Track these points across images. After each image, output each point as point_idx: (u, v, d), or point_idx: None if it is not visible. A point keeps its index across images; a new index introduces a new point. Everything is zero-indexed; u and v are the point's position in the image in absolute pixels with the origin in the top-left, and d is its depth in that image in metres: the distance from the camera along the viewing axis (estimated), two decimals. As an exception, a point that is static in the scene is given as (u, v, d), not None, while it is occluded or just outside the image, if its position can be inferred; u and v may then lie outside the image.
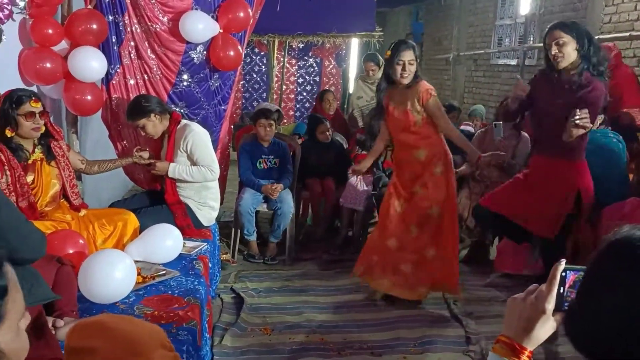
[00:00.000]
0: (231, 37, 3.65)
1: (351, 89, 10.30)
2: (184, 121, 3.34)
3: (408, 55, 3.18)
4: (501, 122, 4.13)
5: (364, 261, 3.55)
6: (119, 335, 1.04)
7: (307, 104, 10.07)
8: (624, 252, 0.78)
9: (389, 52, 3.24)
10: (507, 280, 3.90)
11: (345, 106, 9.05)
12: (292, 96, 9.92)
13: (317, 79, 10.04)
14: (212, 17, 3.57)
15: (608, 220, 3.72)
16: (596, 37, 5.31)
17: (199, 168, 3.27)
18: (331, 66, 10.04)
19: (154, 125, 3.22)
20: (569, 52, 2.91)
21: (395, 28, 12.59)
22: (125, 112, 3.32)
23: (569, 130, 2.85)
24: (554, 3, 6.84)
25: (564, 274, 0.98)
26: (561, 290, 0.98)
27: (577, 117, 2.79)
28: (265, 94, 9.56)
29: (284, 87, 9.24)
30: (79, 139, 3.76)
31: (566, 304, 0.98)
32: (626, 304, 0.75)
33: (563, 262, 0.99)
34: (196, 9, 3.54)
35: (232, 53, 3.62)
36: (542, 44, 6.97)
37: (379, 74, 5.35)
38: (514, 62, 7.81)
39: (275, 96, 8.86)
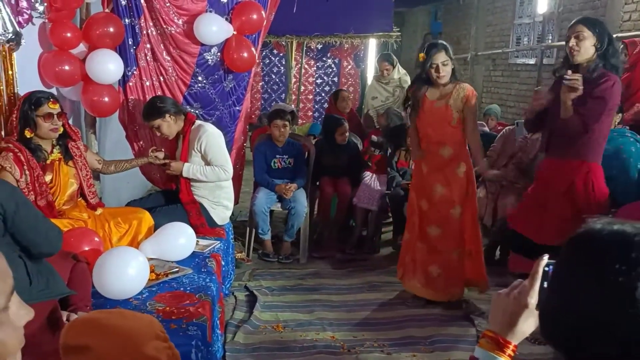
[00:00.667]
0: (245, 39, 3.71)
1: (369, 89, 10.32)
2: (198, 122, 3.41)
3: (440, 57, 3.24)
4: (523, 121, 4.12)
5: (401, 263, 3.65)
6: (113, 330, 1.08)
7: (326, 105, 10.09)
8: (585, 246, 0.80)
9: (422, 55, 3.31)
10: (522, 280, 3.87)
11: (362, 106, 9.06)
12: (311, 97, 9.97)
13: (335, 79, 10.07)
14: (226, 19, 3.63)
15: (625, 219, 3.69)
16: (615, 35, 5.27)
17: (212, 168, 3.33)
18: (349, 67, 10.06)
19: (169, 125, 3.29)
20: (586, 47, 2.84)
21: (414, 28, 12.55)
22: (141, 113, 3.39)
23: (562, 96, 2.80)
24: (573, 1, 6.76)
25: (546, 268, 0.98)
26: (544, 285, 0.98)
27: (568, 77, 2.76)
28: (284, 94, 9.63)
29: (302, 87, 9.29)
30: (97, 140, 3.86)
31: None
32: (593, 298, 0.76)
33: (546, 257, 0.99)
34: (210, 12, 3.60)
35: (245, 54, 3.67)
36: (560, 43, 6.88)
37: (394, 73, 5.36)
38: (532, 62, 7.73)
39: (293, 97, 8.91)
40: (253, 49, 3.73)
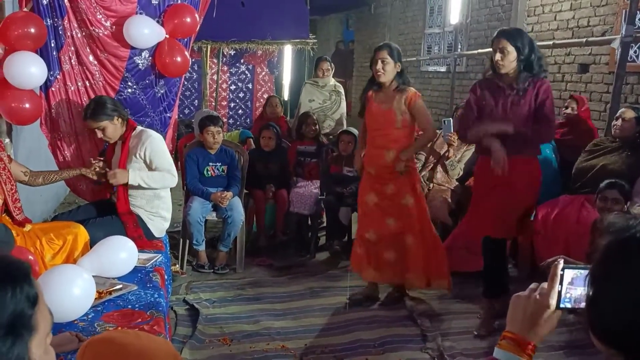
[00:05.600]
0: (177, 43, 3.57)
1: (285, 95, 10.34)
2: (139, 127, 3.25)
3: (382, 54, 3.35)
4: (450, 119, 4.31)
5: (353, 257, 3.70)
6: (131, 350, 1.00)
7: (240, 111, 9.99)
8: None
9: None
10: (454, 278, 4.04)
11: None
12: (225, 103, 9.82)
13: (250, 85, 9.98)
14: (158, 21, 3.48)
15: (543, 215, 3.97)
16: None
17: (160, 173, 3.18)
18: (263, 73, 10.01)
19: (115, 128, 3.11)
20: (510, 61, 3.03)
21: (326, 36, 12.77)
22: (86, 111, 3.13)
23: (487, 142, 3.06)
24: (480, 13, 7.21)
25: (561, 272, 1.03)
26: (559, 288, 1.03)
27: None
28: (197, 101, 9.38)
29: (217, 94, 9.12)
30: (13, 149, 3.54)
31: (566, 300, 1.04)
32: None
33: (561, 260, 1.05)
34: (140, 14, 3.44)
35: (179, 59, 3.54)
36: (470, 52, 7.28)
37: (330, 79, 5.37)
38: (443, 69, 8.14)
39: (208, 103, 8.72)
40: (186, 53, 3.60)
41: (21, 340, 0.79)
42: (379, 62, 3.35)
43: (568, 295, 1.04)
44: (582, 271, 1.02)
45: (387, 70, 3.36)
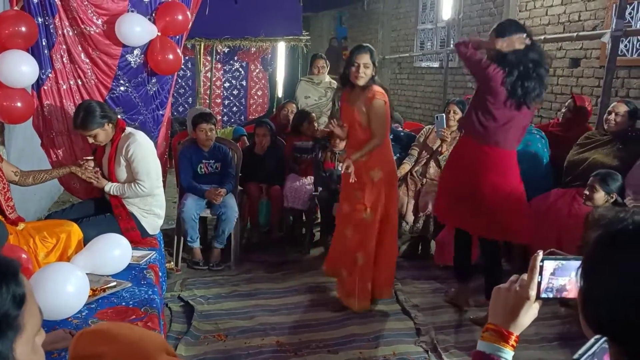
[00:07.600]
0: (169, 40, 3.57)
1: (279, 92, 10.35)
2: (129, 129, 3.23)
3: (363, 58, 3.26)
4: (443, 115, 4.32)
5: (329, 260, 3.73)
6: (125, 340, 1.03)
7: (235, 108, 9.99)
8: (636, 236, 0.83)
9: (346, 53, 3.37)
10: (447, 272, 4.07)
11: (273, 110, 9.07)
12: (219, 101, 9.82)
13: (243, 83, 9.98)
14: (149, 19, 3.48)
15: (536, 209, 4.00)
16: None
17: (129, 185, 3.19)
18: (257, 70, 10.01)
19: (106, 134, 3.11)
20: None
21: (319, 32, 12.77)
22: (75, 119, 3.11)
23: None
24: (472, 9, 7.23)
25: (541, 263, 1.06)
26: (539, 279, 1.06)
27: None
28: (191, 98, 9.39)
29: (211, 92, 9.13)
30: (6, 149, 3.54)
31: (548, 290, 1.06)
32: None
33: (541, 252, 1.07)
34: (132, 11, 3.44)
35: (171, 56, 3.54)
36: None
37: (325, 76, 5.37)
38: (436, 65, 8.16)
39: (202, 101, 8.73)
40: (179, 50, 3.61)
41: (5, 339, 0.79)
42: (362, 66, 3.25)
43: (550, 285, 1.06)
44: (564, 262, 1.04)
45: (368, 74, 3.27)
